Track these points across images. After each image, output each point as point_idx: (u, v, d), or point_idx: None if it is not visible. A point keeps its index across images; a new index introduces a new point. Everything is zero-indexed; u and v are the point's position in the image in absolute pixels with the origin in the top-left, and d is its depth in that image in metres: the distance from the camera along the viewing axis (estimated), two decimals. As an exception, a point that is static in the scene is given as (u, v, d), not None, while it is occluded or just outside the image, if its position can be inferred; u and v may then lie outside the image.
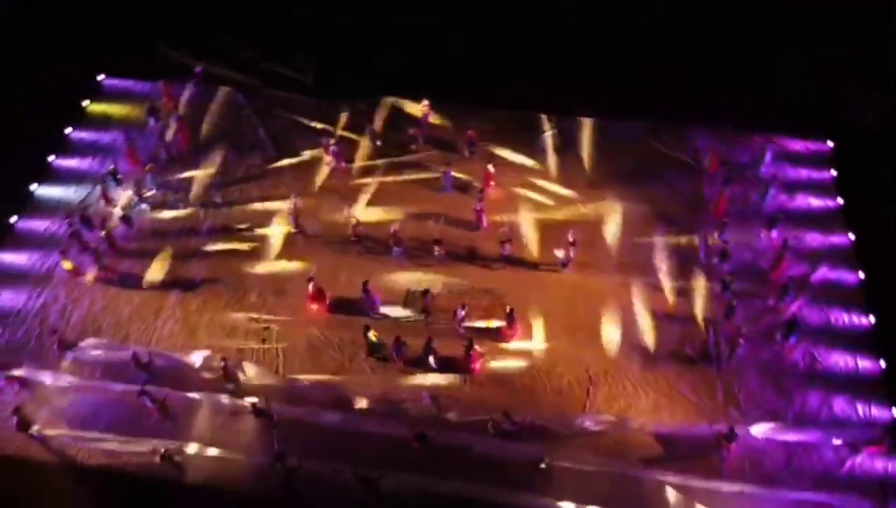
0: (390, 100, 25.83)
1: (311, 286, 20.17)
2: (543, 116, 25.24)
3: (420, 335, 19.39)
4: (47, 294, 20.94)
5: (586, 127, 24.95)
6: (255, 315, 20.42)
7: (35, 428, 17.95)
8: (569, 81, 26.10)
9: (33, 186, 23.42)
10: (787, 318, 19.85)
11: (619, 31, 27.78)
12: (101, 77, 26.71)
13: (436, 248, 21.10)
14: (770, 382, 19.00)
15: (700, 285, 20.93)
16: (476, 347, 18.97)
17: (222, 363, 18.46)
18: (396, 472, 17.04)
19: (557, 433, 18.02)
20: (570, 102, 25.19)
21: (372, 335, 19.18)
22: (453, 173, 23.06)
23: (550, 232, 22.03)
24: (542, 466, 17.06)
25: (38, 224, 22.54)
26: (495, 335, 19.91)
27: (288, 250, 21.92)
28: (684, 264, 21.45)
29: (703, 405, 18.63)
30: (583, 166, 24.00)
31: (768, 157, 23.77)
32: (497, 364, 19.46)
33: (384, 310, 20.37)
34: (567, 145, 24.56)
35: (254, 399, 17.97)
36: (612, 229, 22.28)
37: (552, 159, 24.17)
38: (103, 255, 21.47)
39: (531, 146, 24.49)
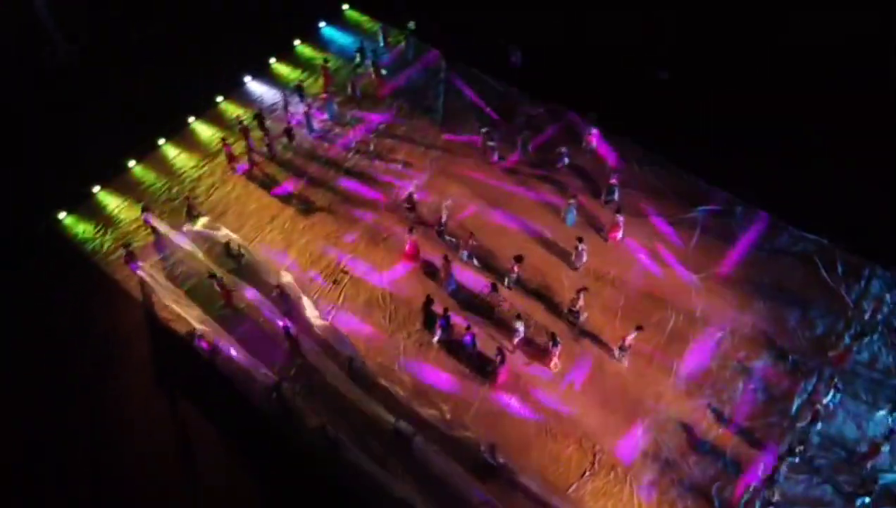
0: (569, 113, 25.32)
1: (409, 241, 21.21)
2: (716, 191, 22.97)
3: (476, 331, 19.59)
4: (208, 168, 24.59)
5: (753, 219, 22.30)
6: (344, 255, 22.08)
7: (139, 266, 21.56)
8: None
9: (247, 79, 27.34)
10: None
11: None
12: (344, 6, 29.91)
13: (515, 268, 20.77)
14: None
15: (770, 435, 18.15)
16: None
17: (277, 289, 20.46)
18: (358, 449, 17.81)
19: (525, 495, 17.30)
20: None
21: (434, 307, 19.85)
22: (575, 208, 22.21)
23: (641, 308, 20.44)
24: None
25: (234, 109, 26.23)
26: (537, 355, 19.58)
27: (398, 213, 23.03)
28: (768, 405, 18.67)
29: (694, 556, 16.56)
30: (724, 257, 21.62)
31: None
32: (514, 403, 19.02)
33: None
34: (722, 230, 22.21)
35: (289, 325, 19.72)
36: (711, 333, 20.00)
37: (695, 238, 22.08)
38: (257, 155, 24.71)
39: (681, 214, 22.58)
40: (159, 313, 20.86)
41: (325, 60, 26.66)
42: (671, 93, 25.47)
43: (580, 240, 20.88)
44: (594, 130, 23.75)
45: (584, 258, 21.05)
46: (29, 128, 26.03)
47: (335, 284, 21.48)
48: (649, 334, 19.61)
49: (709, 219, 22.44)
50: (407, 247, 21.49)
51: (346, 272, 21.71)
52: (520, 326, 19.28)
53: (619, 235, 21.85)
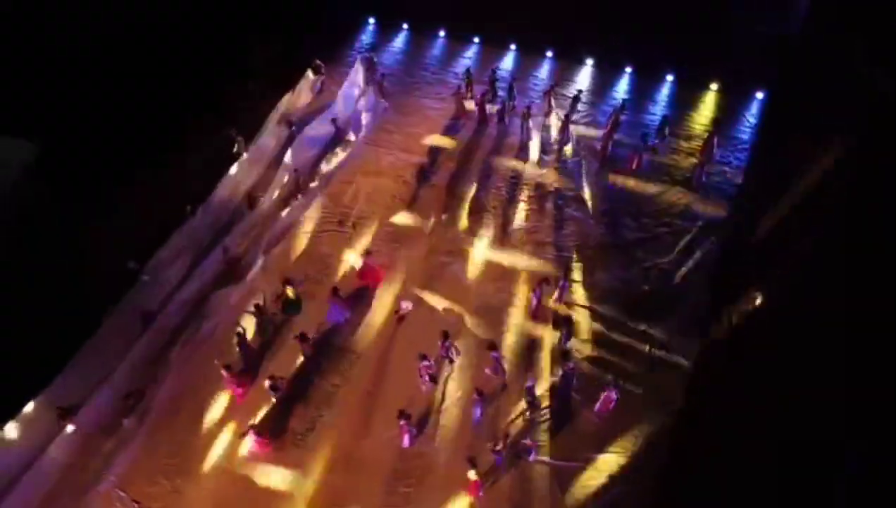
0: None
1: (362, 260, 19.22)
2: None
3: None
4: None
5: None
6: (375, 223, 20.81)
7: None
8: None
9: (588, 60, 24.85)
10: None
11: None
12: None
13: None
14: None
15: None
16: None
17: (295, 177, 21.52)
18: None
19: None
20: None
21: (289, 291, 18.48)
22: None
23: None
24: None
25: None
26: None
27: (448, 247, 20.10)
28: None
29: None
30: None
31: None
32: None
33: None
34: None
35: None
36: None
37: None
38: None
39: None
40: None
41: (623, 104, 22.33)
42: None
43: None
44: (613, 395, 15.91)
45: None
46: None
47: (339, 223, 20.78)
48: None
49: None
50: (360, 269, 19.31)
51: (354, 228, 20.59)
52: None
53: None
